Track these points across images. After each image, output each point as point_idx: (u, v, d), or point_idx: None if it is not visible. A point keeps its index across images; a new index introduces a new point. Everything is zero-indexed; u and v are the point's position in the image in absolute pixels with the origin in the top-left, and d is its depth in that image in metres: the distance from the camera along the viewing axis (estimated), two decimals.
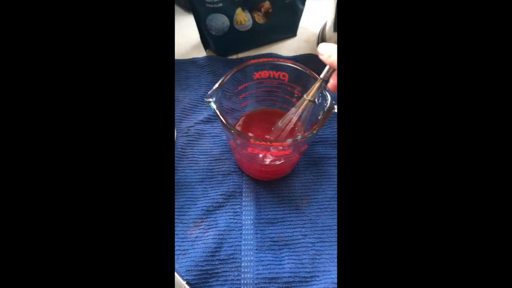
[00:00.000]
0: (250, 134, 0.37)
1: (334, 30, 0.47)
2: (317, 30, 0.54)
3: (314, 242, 0.33)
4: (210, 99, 0.29)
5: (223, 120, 0.28)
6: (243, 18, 0.45)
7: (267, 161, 0.32)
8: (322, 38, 0.52)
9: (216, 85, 0.30)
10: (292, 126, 0.33)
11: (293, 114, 0.32)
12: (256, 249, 0.33)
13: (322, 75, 0.30)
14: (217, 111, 0.28)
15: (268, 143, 0.27)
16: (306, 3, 0.49)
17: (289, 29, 0.52)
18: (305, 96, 0.31)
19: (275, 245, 0.33)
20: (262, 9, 0.46)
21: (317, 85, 0.30)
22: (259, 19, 0.46)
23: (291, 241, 0.33)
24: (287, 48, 0.51)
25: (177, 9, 0.57)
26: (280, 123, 0.33)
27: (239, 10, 0.44)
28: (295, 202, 0.36)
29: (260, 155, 0.30)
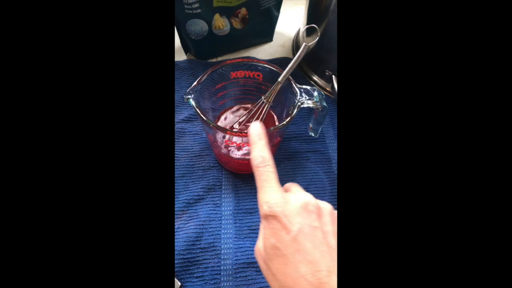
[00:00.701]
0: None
1: (306, 36, 0.51)
2: (292, 35, 0.57)
3: None
4: (189, 96, 0.31)
5: (200, 113, 0.30)
6: (221, 23, 0.48)
7: (242, 152, 0.34)
8: (296, 43, 0.55)
9: (195, 83, 0.33)
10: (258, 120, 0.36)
11: (251, 112, 0.35)
12: (235, 237, 0.35)
13: (280, 79, 0.33)
14: (195, 105, 0.30)
15: (244, 133, 0.29)
16: (281, 10, 0.53)
17: (265, 34, 0.55)
18: (263, 97, 0.34)
19: (253, 232, 0.35)
20: (239, 15, 0.48)
21: (276, 88, 0.33)
22: (237, 24, 0.49)
23: None
24: (264, 52, 0.54)
25: None
26: (240, 119, 0.36)
27: (217, 16, 0.46)
28: None
29: (236, 147, 0.33)
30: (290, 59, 0.33)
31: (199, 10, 0.44)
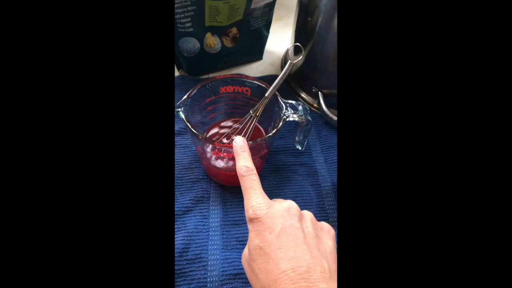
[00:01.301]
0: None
1: (295, 54, 0.53)
2: (281, 54, 0.60)
3: None
4: (179, 109, 0.32)
5: (189, 125, 0.31)
6: (212, 41, 0.50)
7: (231, 164, 0.35)
8: (284, 61, 0.58)
9: (185, 96, 0.34)
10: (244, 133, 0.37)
11: (240, 126, 0.36)
12: (222, 248, 0.35)
13: (266, 94, 0.34)
14: (184, 118, 0.32)
15: (231, 144, 0.30)
16: (271, 30, 0.55)
17: (255, 53, 0.57)
18: (251, 111, 0.35)
19: (240, 244, 0.35)
20: (230, 34, 0.51)
21: (263, 102, 0.34)
22: (228, 43, 0.51)
23: None
24: (254, 69, 0.57)
25: None
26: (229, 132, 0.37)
27: (208, 35, 0.49)
28: None
29: (224, 159, 0.34)
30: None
31: (192, 29, 0.46)
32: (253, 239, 0.22)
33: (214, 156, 0.34)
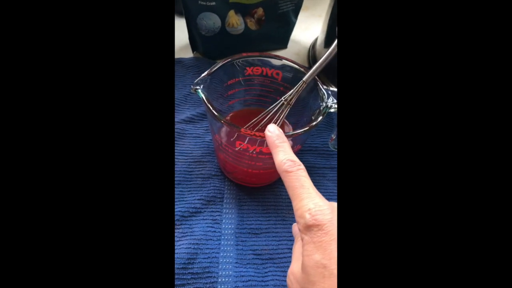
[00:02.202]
0: None
1: (325, 46, 0.47)
2: (307, 44, 0.54)
3: None
4: (197, 87, 0.26)
5: (209, 106, 0.25)
6: (235, 21, 0.44)
7: (256, 160, 0.29)
8: (312, 53, 0.52)
9: (205, 73, 0.28)
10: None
11: (268, 115, 0.30)
12: (236, 263, 0.28)
13: (305, 78, 0.28)
14: (204, 98, 0.25)
15: (261, 134, 0.24)
16: (298, 17, 0.49)
17: (280, 40, 0.51)
18: (283, 98, 0.29)
19: (258, 258, 0.29)
20: (255, 15, 0.45)
21: (300, 88, 0.28)
22: (252, 25, 0.45)
23: (276, 255, 0.29)
24: None
25: None
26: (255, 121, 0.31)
27: (231, 12, 0.43)
28: (281, 211, 0.32)
29: (249, 152, 0.27)
30: (307, 67, 0.29)
31: (214, 3, 0.40)
32: (312, 253, 0.16)
33: (236, 148, 0.28)
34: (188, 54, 0.48)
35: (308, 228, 0.17)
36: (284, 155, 0.20)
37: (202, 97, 0.26)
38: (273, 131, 0.22)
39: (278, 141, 0.21)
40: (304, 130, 0.26)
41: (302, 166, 0.20)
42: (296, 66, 0.30)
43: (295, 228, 0.25)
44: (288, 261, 0.29)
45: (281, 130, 0.23)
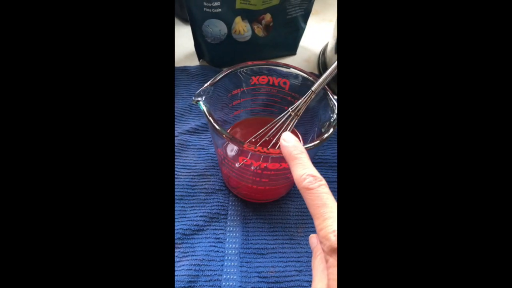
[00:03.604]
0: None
1: (336, 52, 0.45)
2: (317, 50, 0.52)
3: (311, 281, 0.27)
4: (199, 98, 0.25)
5: (211, 120, 0.23)
6: (242, 27, 0.42)
7: (261, 176, 0.27)
8: (323, 60, 0.50)
9: (208, 83, 0.26)
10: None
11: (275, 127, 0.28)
12: (240, 286, 0.26)
13: (313, 88, 0.26)
14: (205, 110, 0.24)
15: (265, 149, 0.22)
16: (308, 22, 0.47)
17: (289, 47, 0.50)
18: (290, 109, 0.27)
19: (264, 281, 0.27)
20: (263, 22, 0.43)
21: (309, 98, 0.26)
22: (259, 31, 0.44)
23: (282, 278, 0.27)
24: None
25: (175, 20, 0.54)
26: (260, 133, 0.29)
27: (238, 19, 0.41)
28: (289, 230, 0.30)
29: (253, 167, 0.25)
30: (316, 75, 0.27)
31: (219, 10, 0.39)
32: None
33: (237, 165, 0.26)
34: (194, 62, 0.47)
35: (335, 251, 0.15)
36: (303, 169, 0.18)
37: (203, 109, 0.24)
38: (288, 140, 0.20)
39: (295, 152, 0.19)
40: (314, 145, 0.24)
41: (324, 182, 0.18)
42: (304, 75, 0.28)
43: (312, 239, 0.23)
44: (296, 285, 0.27)
45: (297, 139, 0.20)
